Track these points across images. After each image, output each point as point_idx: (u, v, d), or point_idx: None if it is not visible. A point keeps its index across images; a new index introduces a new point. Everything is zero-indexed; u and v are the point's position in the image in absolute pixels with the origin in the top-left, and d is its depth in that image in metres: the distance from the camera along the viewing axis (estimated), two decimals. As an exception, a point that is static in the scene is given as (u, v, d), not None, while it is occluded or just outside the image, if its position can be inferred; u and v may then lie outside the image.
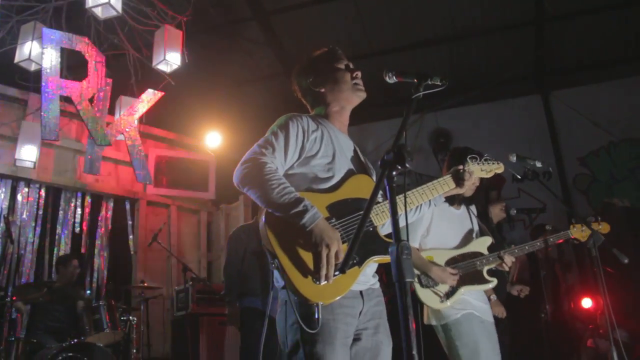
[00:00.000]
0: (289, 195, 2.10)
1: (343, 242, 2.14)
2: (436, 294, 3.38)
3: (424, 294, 3.40)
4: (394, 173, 1.74)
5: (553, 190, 3.74)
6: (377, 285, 2.39)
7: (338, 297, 2.08)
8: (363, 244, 2.15)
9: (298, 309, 2.08)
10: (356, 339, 2.24)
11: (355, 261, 2.14)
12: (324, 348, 2.07)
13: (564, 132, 9.08)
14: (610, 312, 3.26)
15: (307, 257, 2.08)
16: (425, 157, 9.37)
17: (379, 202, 2.34)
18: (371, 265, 2.29)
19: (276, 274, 2.21)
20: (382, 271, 2.70)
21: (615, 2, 8.04)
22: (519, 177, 3.44)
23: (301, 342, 2.10)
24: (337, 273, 2.02)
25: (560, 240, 3.76)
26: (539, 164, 3.44)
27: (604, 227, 3.69)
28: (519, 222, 8.22)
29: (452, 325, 3.33)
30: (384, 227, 2.39)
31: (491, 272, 3.53)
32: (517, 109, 9.34)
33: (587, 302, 6.13)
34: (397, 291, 1.62)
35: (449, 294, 3.37)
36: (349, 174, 2.37)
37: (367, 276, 2.32)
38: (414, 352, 1.57)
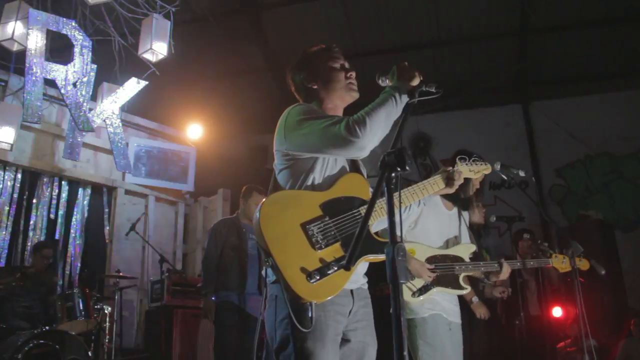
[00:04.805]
0: (374, 104, 2.20)
1: (336, 241, 2.14)
2: (408, 287, 3.38)
3: None
4: (392, 175, 1.74)
5: (534, 200, 3.81)
6: (366, 285, 2.39)
7: (331, 296, 2.08)
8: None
9: (290, 305, 2.07)
10: (345, 339, 2.24)
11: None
12: (314, 344, 2.08)
13: (542, 142, 9.23)
14: (586, 321, 3.33)
15: (301, 255, 2.07)
16: (404, 160, 9.42)
17: None
18: (363, 265, 2.29)
19: (268, 270, 2.20)
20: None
21: (600, 19, 8.21)
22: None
23: (291, 338, 2.10)
24: (334, 269, 2.04)
25: (548, 266, 3.87)
26: (522, 173, 3.46)
27: (583, 264, 3.77)
28: (493, 229, 8.33)
29: (418, 322, 3.35)
30: (373, 226, 2.38)
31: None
32: (498, 117, 9.48)
33: (557, 311, 6.20)
34: (391, 292, 1.64)
35: (422, 290, 3.38)
36: (341, 173, 2.36)
37: (358, 275, 2.32)
38: (405, 352, 1.59)
